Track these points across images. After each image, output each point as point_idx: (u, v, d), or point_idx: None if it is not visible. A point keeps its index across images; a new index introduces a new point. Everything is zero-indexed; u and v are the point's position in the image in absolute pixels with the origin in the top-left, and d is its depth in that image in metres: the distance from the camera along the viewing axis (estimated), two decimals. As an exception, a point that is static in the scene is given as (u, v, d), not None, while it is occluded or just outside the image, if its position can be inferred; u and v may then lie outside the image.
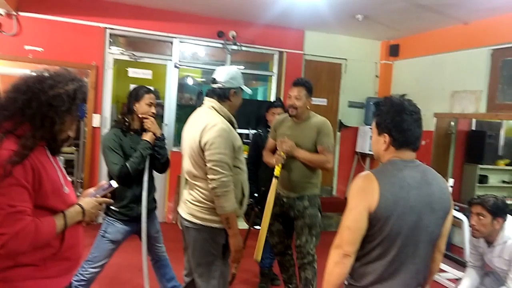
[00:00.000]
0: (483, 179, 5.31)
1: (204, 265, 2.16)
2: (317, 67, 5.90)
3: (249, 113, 4.98)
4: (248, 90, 2.32)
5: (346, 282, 1.56)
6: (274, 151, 2.95)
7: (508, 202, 5.57)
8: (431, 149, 5.10)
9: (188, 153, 2.16)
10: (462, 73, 4.84)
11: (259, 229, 3.28)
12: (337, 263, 1.48)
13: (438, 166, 4.90)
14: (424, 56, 5.47)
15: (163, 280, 2.73)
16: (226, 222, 2.06)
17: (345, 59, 5.99)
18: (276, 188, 2.82)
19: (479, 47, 4.58)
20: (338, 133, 6.02)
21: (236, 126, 2.23)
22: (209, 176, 2.04)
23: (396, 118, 1.52)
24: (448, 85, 5.02)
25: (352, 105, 6.09)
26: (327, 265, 1.52)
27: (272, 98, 5.76)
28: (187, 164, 2.19)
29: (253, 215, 3.35)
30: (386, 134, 1.54)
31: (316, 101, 5.57)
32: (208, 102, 2.20)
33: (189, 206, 2.17)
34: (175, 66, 5.38)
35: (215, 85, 2.19)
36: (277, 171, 2.83)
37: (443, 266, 3.49)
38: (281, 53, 5.75)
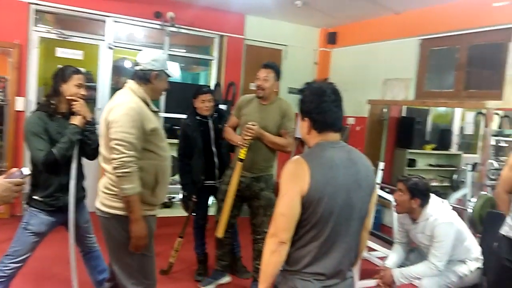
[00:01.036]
0: (411, 163, 5.67)
1: (120, 257, 2.07)
2: (258, 53, 5.89)
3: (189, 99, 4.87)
4: (172, 74, 2.26)
5: (281, 268, 1.57)
6: (235, 128, 3.07)
7: (434, 184, 6.03)
8: (365, 134, 5.33)
9: (101, 135, 2.08)
10: (394, 61, 5.09)
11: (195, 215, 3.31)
12: (273, 252, 1.49)
13: (371, 151, 5.15)
14: (359, 45, 5.67)
15: (94, 273, 2.60)
16: (127, 206, 1.96)
17: (286, 45, 6.04)
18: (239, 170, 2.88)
19: (409, 37, 4.83)
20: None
21: (153, 108, 2.15)
22: (110, 156, 1.96)
23: (315, 101, 1.56)
24: (381, 73, 5.25)
25: (291, 91, 6.17)
26: (263, 255, 1.52)
27: (213, 83, 5.68)
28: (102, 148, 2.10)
29: (192, 204, 3.31)
30: (307, 118, 1.58)
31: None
32: (128, 83, 2.14)
33: (100, 194, 2.09)
34: (109, 47, 5.09)
35: (137, 67, 2.13)
36: (242, 154, 2.89)
37: (373, 245, 3.69)
38: (221, 37, 5.66)
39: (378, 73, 5.30)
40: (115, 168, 1.93)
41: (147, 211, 2.07)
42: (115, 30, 5.13)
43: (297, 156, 1.55)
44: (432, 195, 2.65)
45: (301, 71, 6.14)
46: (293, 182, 1.49)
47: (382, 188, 4.27)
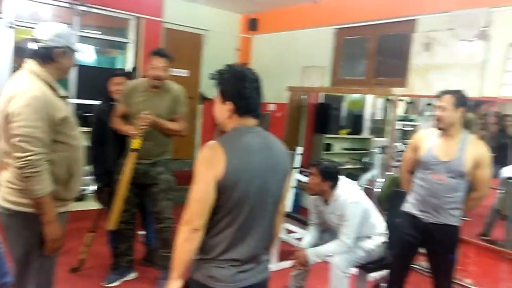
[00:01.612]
0: (328, 147, 5.96)
1: (20, 258, 1.88)
2: (178, 37, 5.71)
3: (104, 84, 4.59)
4: (79, 49, 2.01)
5: (195, 257, 1.54)
6: (124, 116, 2.92)
7: (348, 166, 6.39)
8: (285, 120, 5.47)
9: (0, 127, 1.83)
10: (311, 49, 5.26)
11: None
12: (187, 239, 1.45)
13: (291, 136, 5.31)
14: (280, 32, 5.76)
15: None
16: (39, 208, 1.77)
17: (207, 30, 5.93)
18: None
19: (325, 25, 5.01)
20: (200, 106, 6.01)
21: (61, 93, 1.93)
22: (14, 154, 1.73)
23: (238, 86, 1.53)
24: (299, 61, 5.39)
25: (213, 77, 6.12)
26: (176, 243, 1.47)
27: (129, 67, 5.40)
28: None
29: (106, 195, 3.13)
30: (230, 102, 1.55)
31: (177, 72, 5.42)
32: (27, 65, 1.87)
33: (2, 190, 1.85)
34: (9, 26, 4.59)
35: (37, 45, 1.86)
36: (136, 144, 2.79)
37: (292, 227, 3.82)
38: (138, 19, 5.38)
39: (297, 60, 5.44)
40: (20, 168, 1.71)
41: (60, 207, 1.89)
42: (16, 7, 4.62)
43: (212, 141, 1.52)
44: (342, 177, 2.80)
45: (223, 57, 6.05)
46: (208, 167, 1.46)
47: (300, 172, 4.43)
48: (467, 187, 2.53)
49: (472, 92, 3.53)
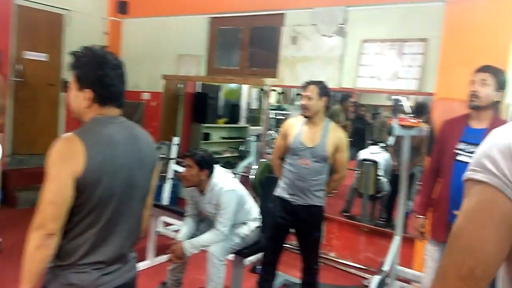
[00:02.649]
0: (206, 136, 5.96)
1: None
2: (33, 16, 5.03)
3: None
4: None
5: (50, 265, 1.35)
6: None
7: (227, 155, 6.50)
8: (161, 109, 5.29)
9: None
10: (186, 37, 5.15)
11: None
12: (39, 246, 1.26)
13: (168, 126, 5.16)
14: (153, 17, 5.50)
15: None
16: None
17: (68, 10, 5.34)
18: None
19: (200, 14, 4.95)
20: (63, 93, 5.42)
21: None
22: None
23: (99, 72, 1.37)
24: (175, 48, 5.24)
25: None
26: (26, 252, 1.27)
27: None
28: None
29: None
30: (88, 90, 1.38)
31: (33, 56, 4.79)
32: None
33: None
34: None
35: None
36: None
37: (170, 220, 3.73)
38: (-20, -9, 4.58)
39: (172, 48, 5.27)
40: None
41: None
42: None
43: (68, 134, 1.34)
44: (216, 166, 2.81)
45: (88, 41, 5.48)
46: (64, 163, 1.29)
47: (178, 163, 4.34)
48: (329, 170, 2.76)
49: (332, 83, 3.88)
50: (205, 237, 2.70)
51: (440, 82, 3.23)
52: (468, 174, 0.76)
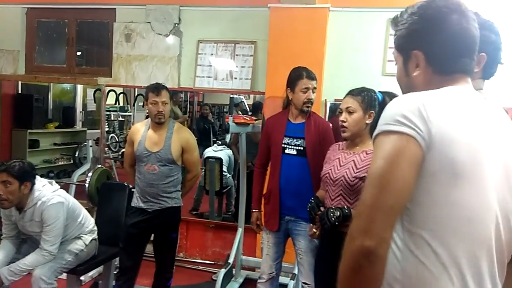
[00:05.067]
0: (34, 144, 5.24)
1: None
2: None
3: None
4: None
5: None
6: None
7: (61, 163, 5.86)
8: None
9: None
10: (-1, 30, 4.40)
11: None
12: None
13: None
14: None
15: None
16: None
17: None
18: None
19: (13, 3, 4.28)
20: None
21: None
22: None
23: None
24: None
25: None
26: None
27: None
28: None
29: None
30: None
31: None
32: None
33: None
34: None
35: None
36: None
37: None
38: None
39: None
40: None
41: None
42: None
43: None
44: (38, 177, 2.47)
45: None
46: None
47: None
48: (181, 169, 2.75)
49: (171, 83, 3.83)
50: (28, 260, 2.35)
51: (269, 82, 3.49)
52: (382, 127, 0.89)
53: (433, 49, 0.98)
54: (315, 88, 2.45)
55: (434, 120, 0.86)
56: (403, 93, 1.05)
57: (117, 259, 2.87)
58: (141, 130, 2.71)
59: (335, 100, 3.45)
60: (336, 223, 1.83)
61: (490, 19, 1.24)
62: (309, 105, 2.43)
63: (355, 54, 3.48)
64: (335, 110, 3.44)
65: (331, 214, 1.84)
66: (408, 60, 1.02)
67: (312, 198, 2.08)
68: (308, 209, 2.06)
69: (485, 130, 0.92)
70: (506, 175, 0.92)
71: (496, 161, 0.91)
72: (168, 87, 2.79)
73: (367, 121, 2.00)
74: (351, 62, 3.48)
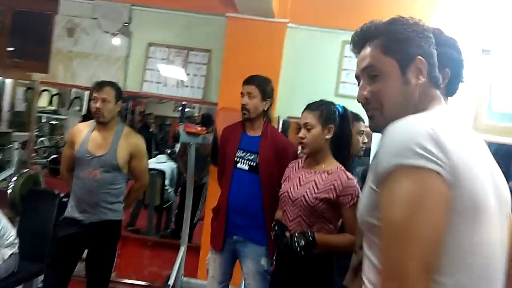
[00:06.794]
0: None
1: None
2: None
3: None
4: None
5: None
6: None
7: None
8: None
9: None
10: None
11: None
12: None
13: None
14: None
15: None
16: None
17: None
18: None
19: None
20: None
21: None
22: None
23: None
24: None
25: None
26: None
27: None
28: None
29: None
30: None
31: None
32: None
33: None
34: None
35: None
36: None
37: None
38: None
39: None
40: None
41: None
42: None
43: None
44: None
45: None
46: None
47: None
48: (126, 178, 2.50)
49: (116, 85, 3.56)
50: None
51: (222, 93, 3.36)
52: (395, 160, 0.72)
53: (430, 57, 0.92)
54: (249, 93, 2.25)
55: (451, 149, 0.73)
56: (393, 107, 0.91)
57: (41, 277, 2.51)
58: (84, 131, 2.44)
59: (288, 117, 3.40)
60: (302, 252, 1.74)
61: (452, 37, 1.24)
62: (244, 111, 2.27)
63: (310, 72, 3.47)
64: (288, 126, 3.38)
65: (296, 245, 1.75)
66: (408, 66, 0.91)
67: (275, 225, 1.93)
68: (273, 238, 1.92)
69: (481, 156, 0.84)
70: (499, 202, 0.83)
71: (492, 187, 0.83)
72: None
73: (327, 136, 1.92)
74: (305, 80, 3.46)
